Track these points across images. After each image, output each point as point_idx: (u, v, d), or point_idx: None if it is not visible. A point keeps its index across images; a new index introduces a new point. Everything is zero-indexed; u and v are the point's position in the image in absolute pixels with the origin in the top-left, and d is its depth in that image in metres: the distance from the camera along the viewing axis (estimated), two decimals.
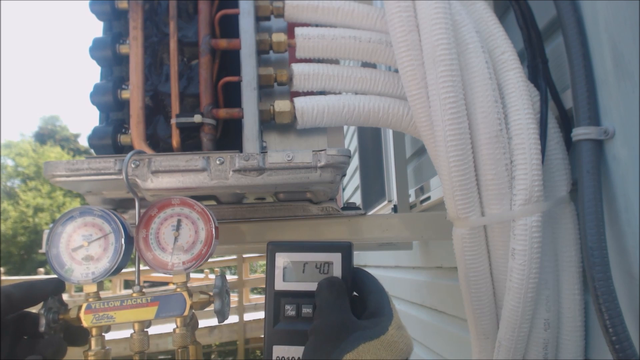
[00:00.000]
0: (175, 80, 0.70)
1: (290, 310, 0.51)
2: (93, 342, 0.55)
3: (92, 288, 0.57)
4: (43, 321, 0.52)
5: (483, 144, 0.61)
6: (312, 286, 0.50)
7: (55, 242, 0.56)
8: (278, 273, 0.52)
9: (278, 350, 0.50)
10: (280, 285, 0.52)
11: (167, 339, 4.91)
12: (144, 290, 0.58)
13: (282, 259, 0.53)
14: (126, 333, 0.58)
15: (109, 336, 0.58)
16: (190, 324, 0.59)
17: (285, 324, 0.51)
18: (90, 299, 0.56)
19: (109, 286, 7.75)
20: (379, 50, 0.69)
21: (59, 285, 0.55)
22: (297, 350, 0.49)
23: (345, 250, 0.52)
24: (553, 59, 0.67)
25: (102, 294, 0.58)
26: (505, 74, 0.63)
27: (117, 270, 0.57)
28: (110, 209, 0.59)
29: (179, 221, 0.59)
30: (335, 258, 0.52)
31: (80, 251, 0.57)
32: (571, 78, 0.59)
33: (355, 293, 0.52)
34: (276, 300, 0.52)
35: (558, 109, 0.66)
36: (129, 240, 0.58)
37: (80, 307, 0.56)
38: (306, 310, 0.51)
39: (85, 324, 0.55)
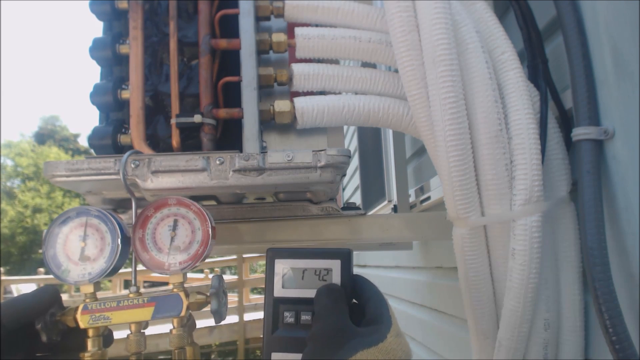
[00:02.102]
0: (175, 80, 0.70)
1: (289, 317, 0.51)
2: (90, 343, 0.55)
3: (89, 289, 0.57)
4: (44, 336, 0.51)
5: (483, 144, 0.61)
6: (311, 293, 0.50)
7: (52, 243, 0.56)
8: (277, 280, 0.52)
9: (277, 358, 0.50)
10: (279, 291, 0.52)
11: (166, 339, 4.90)
12: (142, 290, 0.58)
13: (281, 266, 0.52)
14: (125, 333, 0.58)
15: None
16: (188, 324, 0.59)
17: (284, 331, 0.51)
18: (87, 300, 0.56)
19: (109, 286, 7.75)
20: (379, 50, 0.69)
21: (54, 296, 0.53)
22: (296, 358, 0.49)
23: (345, 256, 0.52)
24: (553, 59, 0.67)
25: (102, 294, 0.58)
26: (505, 74, 0.63)
27: (114, 271, 0.57)
28: (108, 209, 0.59)
29: (175, 221, 0.59)
30: (335, 265, 0.52)
31: (77, 252, 0.56)
32: (571, 78, 0.59)
33: (354, 300, 0.52)
34: (275, 307, 0.52)
35: (558, 109, 0.66)
36: (126, 240, 0.57)
37: (76, 308, 0.56)
38: (305, 317, 0.51)
39: (82, 325, 0.54)
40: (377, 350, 0.42)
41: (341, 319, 0.46)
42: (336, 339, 0.43)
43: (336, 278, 0.51)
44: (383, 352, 0.42)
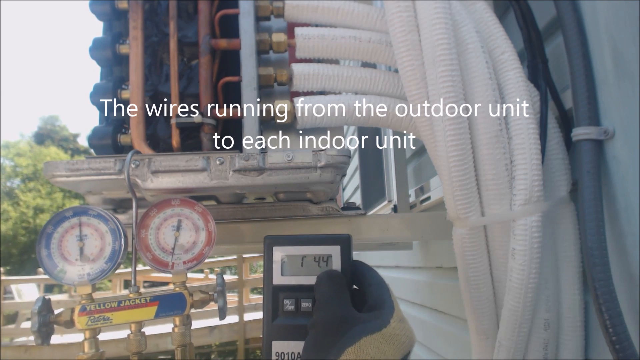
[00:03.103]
0: (175, 80, 0.70)
1: (289, 305, 0.50)
2: (86, 345, 0.54)
3: (87, 289, 0.56)
4: (38, 339, 0.51)
5: (483, 144, 0.61)
6: (311, 280, 0.49)
7: (47, 243, 0.56)
8: (276, 267, 0.51)
9: (277, 346, 0.49)
10: (278, 279, 0.51)
11: (166, 338, 4.91)
12: (142, 290, 0.58)
13: (279, 253, 0.52)
14: (127, 333, 0.58)
15: (109, 336, 0.57)
16: (188, 323, 0.59)
17: (284, 319, 0.50)
18: (84, 301, 0.56)
19: (109, 286, 7.74)
20: (379, 50, 0.69)
21: None
22: (297, 345, 0.48)
23: (344, 242, 0.51)
24: (553, 59, 0.67)
25: (102, 294, 0.58)
26: (505, 74, 0.63)
27: (113, 271, 0.57)
28: (107, 210, 0.59)
29: (179, 221, 0.59)
30: (334, 251, 0.51)
31: (74, 252, 0.56)
32: (571, 78, 0.59)
33: (355, 286, 0.51)
34: (274, 295, 0.51)
35: (558, 109, 0.66)
36: (125, 240, 0.58)
37: (73, 310, 0.55)
38: (305, 304, 0.50)
39: (79, 326, 0.54)
40: (381, 336, 0.42)
41: (343, 306, 0.45)
42: (338, 326, 0.43)
43: (336, 264, 0.51)
44: (387, 337, 0.42)
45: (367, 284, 0.49)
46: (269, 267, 0.52)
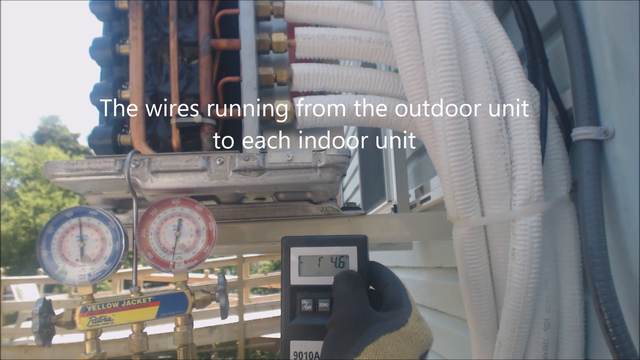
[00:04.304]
0: (175, 80, 0.70)
1: (306, 305, 0.51)
2: (88, 345, 0.54)
3: (88, 290, 0.56)
4: (39, 340, 0.51)
5: (483, 144, 0.61)
6: (328, 280, 0.50)
7: (47, 244, 0.56)
8: (293, 268, 0.52)
9: (295, 346, 0.50)
10: (295, 280, 0.52)
11: (167, 339, 4.91)
12: (142, 290, 0.58)
13: (297, 254, 0.52)
14: (127, 333, 0.58)
15: (109, 336, 0.57)
16: (190, 322, 0.59)
17: (302, 319, 0.51)
18: (85, 301, 0.56)
19: (110, 286, 7.74)
20: (379, 50, 0.69)
21: None
22: (315, 345, 0.49)
23: (361, 243, 0.52)
24: (553, 59, 0.67)
25: (102, 294, 0.58)
26: (505, 74, 0.63)
27: (114, 271, 0.57)
28: (107, 210, 0.59)
29: (179, 221, 0.59)
30: (351, 251, 0.52)
31: (75, 252, 0.56)
32: (571, 78, 0.59)
33: (371, 287, 0.52)
34: (292, 295, 0.51)
35: (558, 109, 0.66)
36: (125, 240, 0.58)
37: (74, 310, 0.55)
38: (323, 304, 0.51)
39: (80, 327, 0.54)
40: (399, 335, 0.42)
41: (361, 305, 0.45)
42: (357, 324, 0.43)
43: (353, 264, 0.51)
44: (405, 336, 0.42)
45: (384, 283, 0.50)
46: (287, 268, 0.52)
